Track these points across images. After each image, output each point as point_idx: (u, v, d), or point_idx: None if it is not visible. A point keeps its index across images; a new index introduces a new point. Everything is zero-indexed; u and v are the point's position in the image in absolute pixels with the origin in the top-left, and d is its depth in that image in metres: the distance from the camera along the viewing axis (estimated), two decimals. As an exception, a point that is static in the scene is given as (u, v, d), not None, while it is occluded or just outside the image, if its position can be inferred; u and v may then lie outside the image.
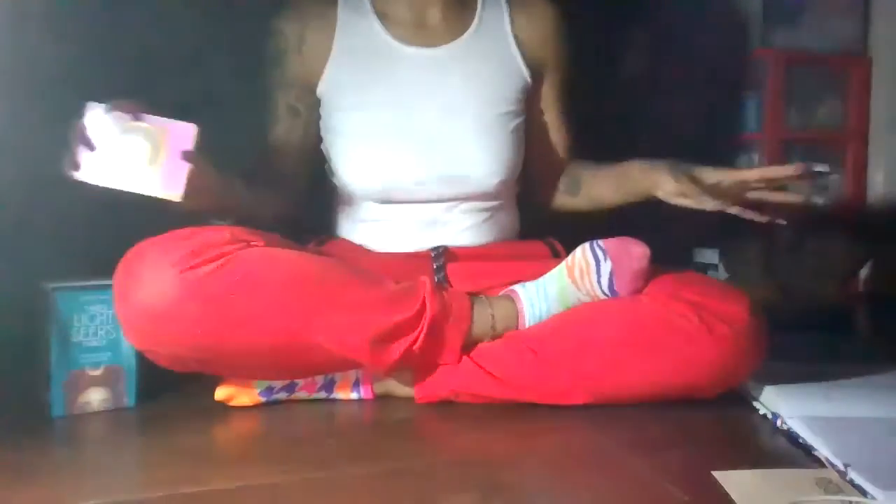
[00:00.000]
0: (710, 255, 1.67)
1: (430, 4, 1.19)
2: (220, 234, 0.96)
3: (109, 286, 0.95)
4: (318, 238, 1.21)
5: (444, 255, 1.15)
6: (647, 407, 1.00)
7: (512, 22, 1.22)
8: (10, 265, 1.09)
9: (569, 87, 1.29)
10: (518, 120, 1.21)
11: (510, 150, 1.18)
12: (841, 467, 0.79)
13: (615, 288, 1.04)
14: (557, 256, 1.19)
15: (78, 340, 1.01)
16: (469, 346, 1.03)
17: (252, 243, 0.97)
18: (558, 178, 1.29)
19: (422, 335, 0.99)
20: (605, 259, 1.04)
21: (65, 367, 1.00)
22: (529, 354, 1.01)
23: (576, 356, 1.00)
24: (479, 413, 1.01)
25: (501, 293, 1.09)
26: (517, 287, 1.08)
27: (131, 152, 0.93)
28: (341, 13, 1.19)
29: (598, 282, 1.04)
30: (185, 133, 0.94)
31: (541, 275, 1.08)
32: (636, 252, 1.04)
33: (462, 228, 1.18)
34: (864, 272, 1.81)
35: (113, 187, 0.92)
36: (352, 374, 1.07)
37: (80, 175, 0.92)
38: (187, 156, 0.93)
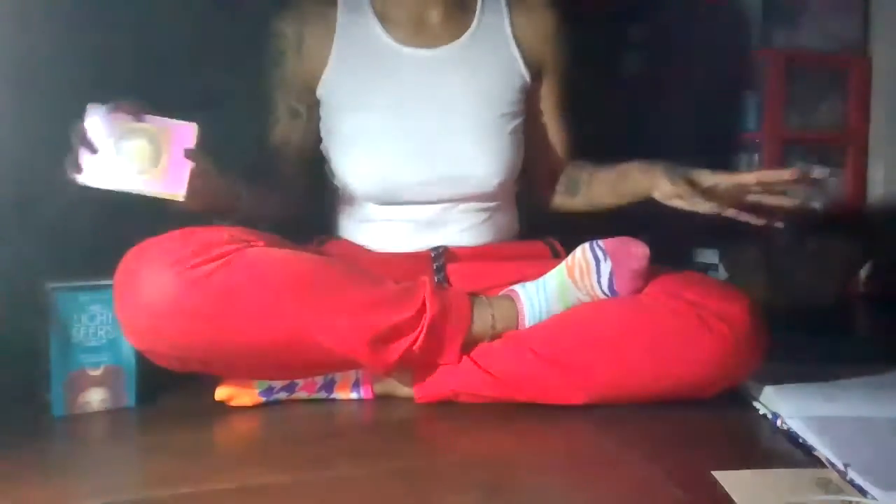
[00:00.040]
0: (710, 255, 1.67)
1: (429, 5, 1.19)
2: (219, 234, 0.96)
3: (109, 286, 0.95)
4: (318, 238, 1.21)
5: (444, 255, 1.15)
6: (647, 407, 1.00)
7: (511, 22, 1.22)
8: (10, 265, 1.09)
9: (568, 88, 1.29)
10: (517, 120, 1.21)
11: (510, 150, 1.18)
12: (841, 467, 0.79)
13: (615, 288, 1.04)
14: (557, 256, 1.19)
15: (78, 340, 1.00)
16: (469, 346, 1.03)
17: (252, 243, 0.97)
18: (557, 179, 1.29)
19: (422, 335, 0.99)
20: (605, 259, 1.04)
21: (65, 367, 1.00)
22: (529, 354, 1.01)
23: (576, 356, 1.00)
24: (479, 413, 1.01)
25: (501, 293, 1.09)
26: (517, 287, 1.08)
27: (133, 154, 0.93)
28: (341, 14, 1.19)
29: (598, 282, 1.04)
30: (187, 132, 0.94)
31: (541, 275, 1.08)
32: (636, 252, 1.04)
33: (462, 229, 1.18)
34: (864, 272, 1.81)
35: (116, 189, 0.93)
36: (352, 374, 1.07)
37: (83, 179, 0.92)
38: (189, 154, 0.94)
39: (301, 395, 1.06)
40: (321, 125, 1.21)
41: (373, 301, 0.98)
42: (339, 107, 1.18)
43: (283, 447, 0.92)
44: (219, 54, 1.32)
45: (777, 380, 1.03)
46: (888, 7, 1.81)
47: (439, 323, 1.00)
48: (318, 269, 0.99)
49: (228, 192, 1.05)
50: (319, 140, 1.22)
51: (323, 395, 1.07)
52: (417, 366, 1.03)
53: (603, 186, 1.22)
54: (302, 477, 0.80)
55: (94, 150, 0.93)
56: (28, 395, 1.05)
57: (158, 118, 0.94)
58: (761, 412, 1.01)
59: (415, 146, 1.14)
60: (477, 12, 1.21)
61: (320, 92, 1.19)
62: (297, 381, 1.05)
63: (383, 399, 1.07)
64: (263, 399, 1.05)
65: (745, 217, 1.04)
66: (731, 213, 1.04)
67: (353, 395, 1.07)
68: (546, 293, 1.06)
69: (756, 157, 1.75)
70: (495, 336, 1.04)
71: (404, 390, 1.06)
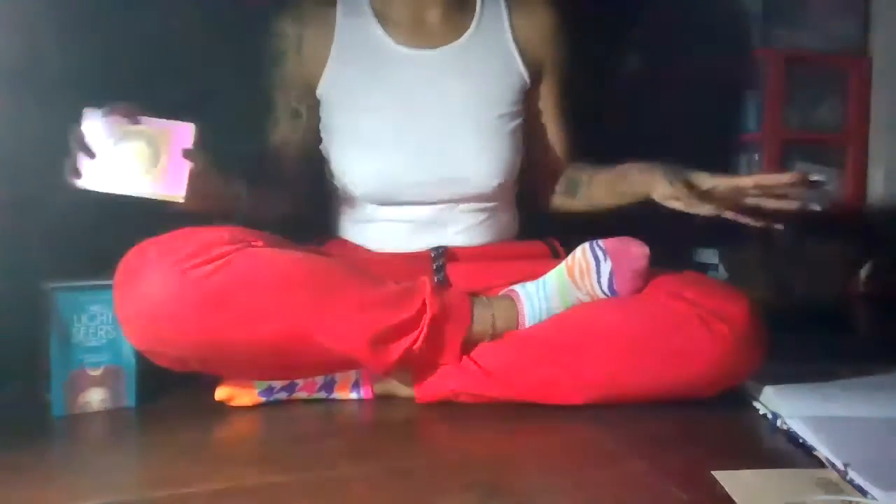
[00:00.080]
0: (710, 255, 1.67)
1: (429, 5, 1.19)
2: (219, 234, 0.96)
3: (109, 286, 0.95)
4: (318, 238, 1.21)
5: (443, 255, 1.15)
6: (647, 407, 1.00)
7: (511, 23, 1.22)
8: (10, 265, 1.09)
9: (568, 88, 1.29)
10: (517, 121, 1.21)
11: (509, 151, 1.18)
12: (841, 467, 0.79)
13: (615, 288, 1.04)
14: (557, 256, 1.19)
15: (78, 340, 1.01)
16: (469, 346, 1.03)
17: (252, 243, 0.97)
18: (557, 180, 1.29)
19: (422, 335, 0.99)
20: (605, 259, 1.04)
21: (65, 367, 1.00)
22: (529, 354, 1.01)
23: (576, 356, 1.00)
24: (479, 413, 1.01)
25: (501, 293, 1.09)
26: (517, 287, 1.08)
27: (132, 156, 0.93)
28: (340, 15, 1.19)
29: (598, 281, 1.04)
30: (185, 133, 0.94)
31: (541, 275, 1.08)
32: (636, 252, 1.04)
33: (461, 229, 1.18)
34: (864, 272, 1.81)
35: (116, 193, 0.93)
36: (352, 374, 1.07)
37: (82, 183, 0.92)
38: (188, 155, 0.94)
39: (301, 395, 1.06)
40: (321, 125, 1.22)
41: (373, 301, 0.98)
42: (339, 107, 1.18)
43: (283, 447, 0.92)
44: (219, 54, 1.32)
45: (777, 380, 1.03)
46: (888, 7, 1.81)
47: (439, 323, 1.00)
48: (318, 270, 0.99)
49: (228, 193, 1.05)
50: (320, 140, 1.22)
51: (323, 395, 1.07)
52: (417, 366, 1.03)
53: (602, 187, 1.22)
54: (302, 477, 0.80)
55: (92, 154, 0.93)
56: (28, 395, 1.05)
57: (155, 119, 0.94)
58: (761, 412, 1.01)
59: (414, 146, 1.14)
60: (476, 13, 1.21)
61: (320, 92, 1.19)
62: (296, 381, 1.05)
63: (383, 399, 1.07)
64: (263, 399, 1.05)
65: (743, 219, 1.03)
66: (728, 215, 1.04)
67: (353, 395, 1.07)
68: (546, 293, 1.06)
69: (756, 157, 1.75)
70: (495, 336, 1.04)
71: (404, 390, 1.06)
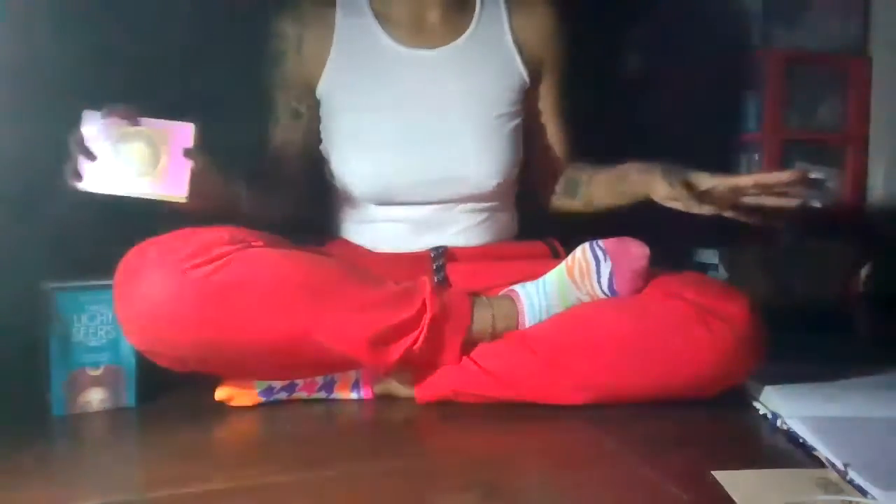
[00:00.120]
0: (710, 255, 1.67)
1: (428, 6, 1.19)
2: (219, 234, 0.96)
3: (109, 286, 0.95)
4: (317, 238, 1.21)
5: (443, 255, 1.15)
6: (647, 407, 1.00)
7: (510, 23, 1.22)
8: (10, 265, 1.09)
9: (568, 88, 1.29)
10: (516, 121, 1.21)
11: (508, 151, 1.18)
12: (841, 467, 0.79)
13: (615, 288, 1.04)
14: (557, 256, 1.19)
15: (78, 340, 1.01)
16: (469, 346, 1.03)
17: (252, 243, 0.97)
18: (557, 180, 1.29)
19: (422, 335, 0.99)
20: (605, 259, 1.04)
21: (65, 367, 1.00)
22: (529, 354, 1.01)
23: (576, 356, 1.00)
24: (479, 413, 1.01)
25: (501, 293, 1.09)
26: (517, 287, 1.08)
27: (132, 157, 0.93)
28: (340, 15, 1.19)
29: (598, 282, 1.04)
30: (184, 132, 0.94)
31: (541, 275, 1.08)
32: (636, 252, 1.04)
33: (461, 229, 1.18)
34: (864, 272, 1.81)
35: (117, 194, 0.93)
36: (352, 374, 1.07)
37: (84, 185, 0.93)
38: (188, 154, 0.94)
39: (301, 395, 1.06)
40: (321, 125, 1.21)
41: (373, 301, 0.98)
42: (338, 107, 1.18)
43: (283, 447, 0.92)
44: (219, 55, 1.32)
45: (777, 380, 1.03)
46: (888, 7, 1.81)
47: (439, 323, 1.00)
48: (318, 270, 0.99)
49: (229, 193, 1.05)
50: (320, 140, 1.22)
51: (323, 395, 1.07)
52: (417, 366, 1.03)
53: (601, 188, 1.22)
54: (302, 477, 0.80)
55: (92, 157, 0.93)
56: (28, 395, 1.05)
57: (155, 120, 0.94)
58: (761, 412, 1.01)
59: (413, 147, 1.14)
60: (476, 13, 1.21)
61: (320, 92, 1.19)
62: (297, 381, 1.05)
63: (383, 399, 1.07)
64: (263, 399, 1.05)
65: (742, 218, 1.03)
66: (728, 214, 1.03)
67: (353, 395, 1.07)
68: (546, 293, 1.06)
69: (756, 157, 1.75)
70: (495, 336, 1.04)
71: (404, 390, 1.07)
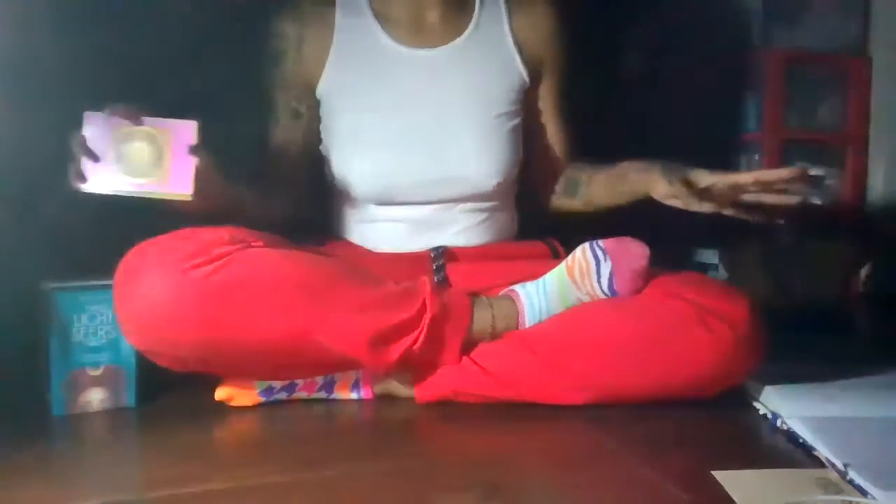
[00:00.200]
0: (710, 255, 1.67)
1: (428, 6, 1.19)
2: (219, 234, 0.96)
3: (109, 286, 0.95)
4: (317, 238, 1.21)
5: (443, 255, 1.15)
6: (647, 407, 1.00)
7: (510, 22, 1.22)
8: (10, 265, 1.09)
9: (568, 88, 1.29)
10: (516, 120, 1.21)
11: (508, 150, 1.18)
12: (841, 467, 0.79)
13: (615, 288, 1.04)
14: (557, 256, 1.19)
15: (78, 340, 1.01)
16: (469, 346, 1.03)
17: (252, 243, 0.97)
18: (557, 179, 1.29)
19: (422, 335, 0.99)
20: (605, 259, 1.04)
21: (65, 367, 1.00)
22: (529, 354, 1.01)
23: (576, 356, 1.00)
24: (479, 413, 1.01)
25: (501, 293, 1.09)
26: (517, 287, 1.08)
27: (135, 157, 0.93)
28: (340, 15, 1.19)
29: (598, 282, 1.04)
30: (187, 130, 0.94)
31: (541, 275, 1.08)
32: (636, 252, 1.04)
33: (461, 229, 1.18)
34: (864, 272, 1.81)
35: (122, 194, 0.93)
36: (352, 374, 1.07)
37: (88, 187, 0.92)
38: (192, 151, 0.94)
39: (301, 395, 1.06)
40: (321, 125, 1.21)
41: (373, 301, 0.98)
42: (338, 107, 1.18)
43: (282, 447, 0.92)
44: (219, 55, 1.32)
45: (777, 380, 1.03)
46: (888, 7, 1.81)
47: (439, 323, 1.00)
48: (318, 270, 0.99)
49: (230, 192, 1.05)
50: (320, 140, 1.22)
51: (323, 395, 1.07)
52: (417, 366, 1.03)
53: (601, 187, 1.22)
54: (302, 477, 0.80)
55: (95, 158, 0.93)
56: (28, 395, 1.05)
57: (157, 119, 0.94)
58: (761, 412, 1.01)
59: (413, 146, 1.14)
60: (475, 12, 1.21)
61: (319, 92, 1.19)
62: (296, 381, 1.05)
63: (383, 399, 1.07)
64: (263, 399, 1.05)
65: (742, 216, 1.03)
66: (728, 212, 1.03)
67: (353, 395, 1.07)
68: (546, 293, 1.06)
69: (756, 156, 1.75)
70: (495, 336, 1.04)
71: (404, 390, 1.06)
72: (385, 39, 1.18)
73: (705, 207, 1.02)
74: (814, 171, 0.99)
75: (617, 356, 1.00)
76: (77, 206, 1.00)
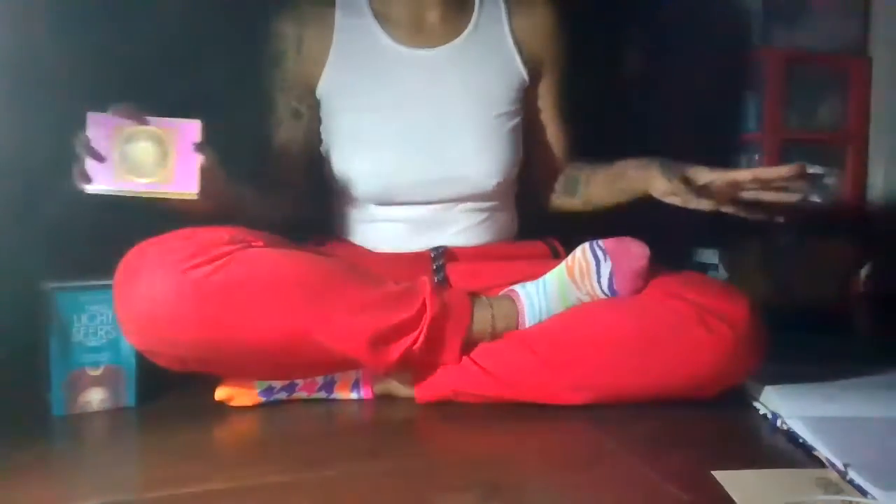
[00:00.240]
0: (710, 255, 1.67)
1: (427, 5, 1.19)
2: (219, 234, 0.96)
3: (109, 286, 0.95)
4: (317, 238, 1.21)
5: (443, 255, 1.15)
6: (646, 407, 1.00)
7: (510, 22, 1.22)
8: (10, 265, 1.09)
9: (567, 88, 1.29)
10: (516, 120, 1.21)
11: (508, 150, 1.18)
12: (841, 467, 0.79)
13: (615, 288, 1.04)
14: (557, 256, 1.19)
15: (78, 340, 1.01)
16: (469, 346, 1.03)
17: (252, 243, 0.97)
18: (556, 179, 1.29)
19: (422, 335, 0.99)
20: (605, 259, 1.04)
21: (65, 367, 1.00)
22: (529, 354, 1.01)
23: (576, 356, 1.00)
24: (479, 413, 1.01)
25: (501, 293, 1.09)
26: (517, 287, 1.08)
27: (139, 157, 0.93)
28: (340, 15, 1.19)
29: (598, 282, 1.04)
30: (192, 129, 0.94)
31: (541, 275, 1.08)
32: (636, 252, 1.04)
33: (461, 229, 1.18)
34: (864, 272, 1.81)
35: (127, 194, 0.92)
36: (352, 374, 1.07)
37: (93, 188, 0.92)
38: (197, 150, 0.94)
39: (301, 395, 1.06)
40: (321, 126, 1.21)
41: (373, 301, 0.98)
42: (338, 107, 1.18)
43: (282, 447, 0.92)
44: (219, 55, 1.32)
45: (777, 380, 1.03)
46: (888, 7, 1.81)
47: (439, 323, 1.00)
48: (318, 270, 0.99)
49: (233, 192, 1.05)
50: (321, 140, 1.22)
51: (323, 395, 1.07)
52: (417, 366, 1.03)
53: (600, 185, 1.22)
54: (302, 477, 0.80)
55: (100, 158, 0.92)
56: (28, 395, 1.05)
57: (161, 119, 0.94)
58: (761, 412, 1.01)
59: (413, 146, 1.14)
60: (475, 12, 1.22)
61: (319, 92, 1.19)
62: (296, 381, 1.05)
63: (383, 399, 1.07)
64: (263, 399, 1.05)
65: (743, 213, 1.03)
66: (727, 209, 1.03)
67: (353, 395, 1.07)
68: (546, 293, 1.06)
69: (756, 156, 1.75)
70: (495, 336, 1.04)
71: (404, 390, 1.06)
72: (385, 39, 1.18)
73: (704, 205, 1.01)
74: (813, 169, 0.99)
75: (617, 356, 1.00)
76: (77, 206, 1.00)
